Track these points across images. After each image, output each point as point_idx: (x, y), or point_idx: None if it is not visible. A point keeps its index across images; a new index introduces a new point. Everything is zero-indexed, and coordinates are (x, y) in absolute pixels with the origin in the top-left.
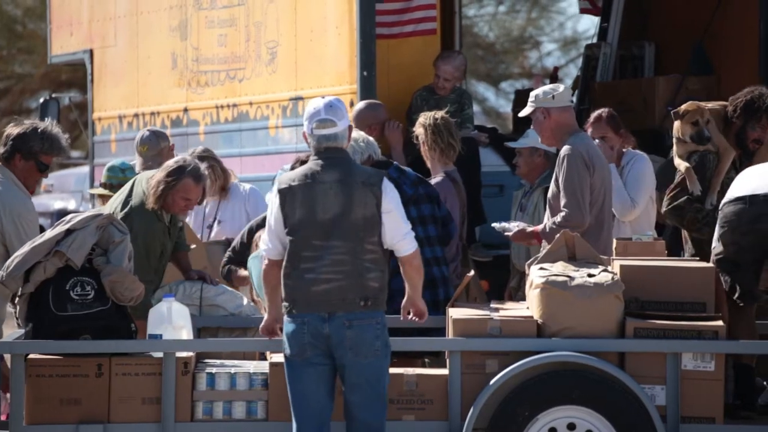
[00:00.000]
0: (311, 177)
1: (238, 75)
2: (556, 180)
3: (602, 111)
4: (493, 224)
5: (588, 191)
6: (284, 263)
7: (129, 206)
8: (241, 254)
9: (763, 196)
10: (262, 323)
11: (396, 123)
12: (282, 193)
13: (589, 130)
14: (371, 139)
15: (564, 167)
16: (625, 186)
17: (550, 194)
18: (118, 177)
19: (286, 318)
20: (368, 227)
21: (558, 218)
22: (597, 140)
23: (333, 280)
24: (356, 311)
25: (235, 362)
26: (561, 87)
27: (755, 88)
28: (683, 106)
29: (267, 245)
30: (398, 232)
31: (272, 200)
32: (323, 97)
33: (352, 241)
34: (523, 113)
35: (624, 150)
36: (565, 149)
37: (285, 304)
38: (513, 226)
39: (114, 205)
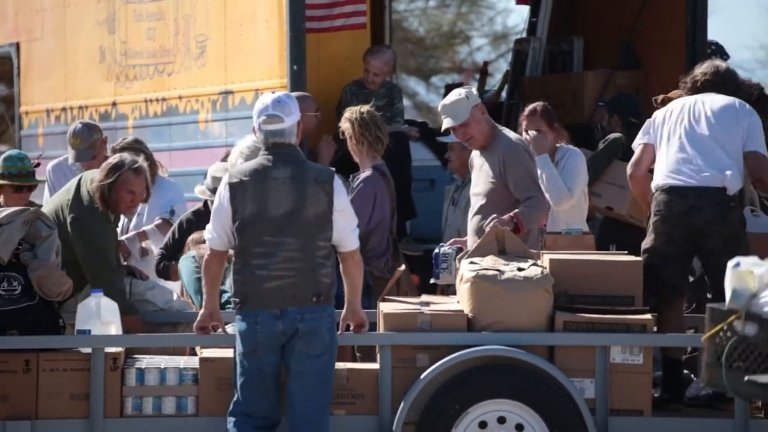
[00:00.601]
0: (263, 172)
1: (167, 69)
2: (498, 171)
3: (537, 105)
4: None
5: (538, 180)
6: (234, 259)
7: (79, 209)
8: (174, 251)
9: (694, 189)
10: (197, 319)
11: (329, 139)
12: (232, 186)
13: (524, 124)
14: None
15: (518, 158)
16: None
17: (482, 188)
18: (17, 166)
19: (237, 315)
20: (320, 224)
21: (533, 201)
22: (532, 133)
23: (285, 277)
24: (308, 306)
25: (165, 357)
26: (473, 87)
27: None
28: (668, 95)
29: (212, 234)
30: (347, 229)
31: (221, 192)
32: (273, 92)
33: (305, 238)
34: (453, 122)
35: (558, 145)
36: (505, 146)
37: (235, 299)
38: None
39: (57, 204)
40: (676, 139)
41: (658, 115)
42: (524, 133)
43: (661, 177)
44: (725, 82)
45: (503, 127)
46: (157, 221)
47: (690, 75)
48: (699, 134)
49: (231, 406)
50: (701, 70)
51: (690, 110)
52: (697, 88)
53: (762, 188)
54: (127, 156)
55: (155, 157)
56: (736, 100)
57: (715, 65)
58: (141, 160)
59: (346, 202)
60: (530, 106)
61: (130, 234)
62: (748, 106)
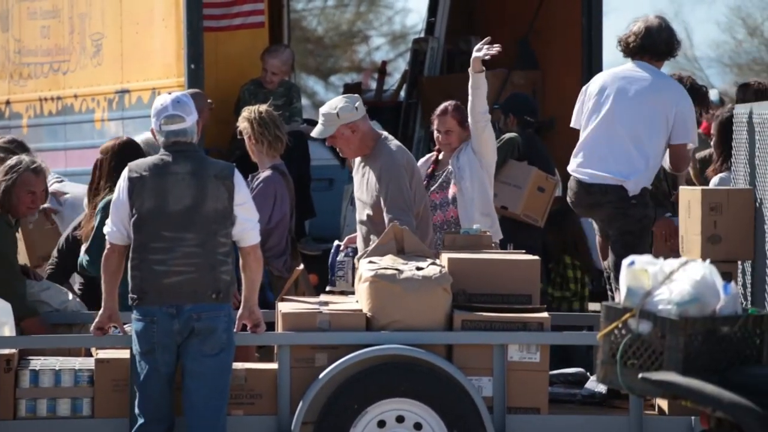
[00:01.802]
0: (163, 167)
1: (62, 67)
2: (378, 186)
3: (448, 104)
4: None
5: (411, 197)
6: (131, 255)
7: None
8: (64, 262)
9: (599, 186)
10: (96, 320)
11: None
12: (132, 181)
13: (435, 123)
14: None
15: (393, 174)
16: None
17: (368, 198)
18: None
19: (134, 314)
20: (220, 220)
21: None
22: (440, 134)
23: (185, 273)
24: (206, 303)
25: (60, 359)
26: (355, 96)
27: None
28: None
29: (111, 228)
30: (248, 224)
31: (120, 186)
32: (170, 93)
33: (205, 234)
34: (318, 133)
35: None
36: (383, 160)
37: (132, 296)
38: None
39: None
40: (595, 125)
41: (590, 86)
42: (435, 132)
43: (574, 164)
44: (655, 43)
45: (387, 136)
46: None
47: (624, 35)
48: (617, 130)
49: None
50: (633, 30)
51: (616, 93)
52: (629, 51)
53: (677, 174)
54: (24, 156)
55: (50, 157)
56: (667, 84)
57: (647, 24)
58: (39, 160)
59: (247, 197)
60: (442, 105)
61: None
62: (678, 89)
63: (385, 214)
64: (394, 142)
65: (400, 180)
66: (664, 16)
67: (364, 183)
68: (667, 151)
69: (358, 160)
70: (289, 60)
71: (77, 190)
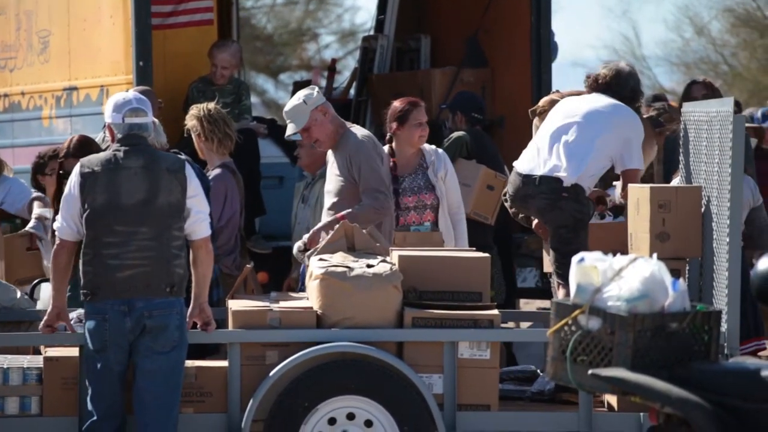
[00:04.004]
0: (114, 162)
1: (8, 64)
2: (346, 170)
3: (411, 99)
4: (295, 252)
5: (385, 175)
6: (84, 250)
7: None
8: None
9: (533, 177)
10: (45, 317)
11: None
12: (83, 176)
13: (407, 119)
14: (158, 123)
15: (362, 155)
16: None
17: (332, 186)
18: None
19: (86, 310)
20: (174, 213)
21: (368, 200)
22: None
23: (138, 266)
24: (159, 298)
25: (8, 357)
26: (312, 86)
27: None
28: (540, 103)
29: (60, 224)
30: (198, 216)
31: (72, 181)
32: (127, 91)
33: (159, 228)
34: (295, 128)
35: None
36: (350, 143)
37: (84, 291)
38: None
39: None
40: (543, 127)
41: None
42: (413, 128)
43: (518, 160)
44: (621, 85)
45: (353, 125)
46: (34, 207)
47: (594, 73)
48: (561, 130)
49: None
50: (604, 70)
51: (569, 104)
52: (596, 87)
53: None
54: None
55: None
56: (624, 110)
57: (618, 68)
58: None
59: (199, 189)
60: (405, 100)
61: (31, 225)
62: (633, 118)
63: (363, 197)
64: (360, 129)
65: (371, 161)
66: (634, 66)
67: (331, 173)
68: (620, 179)
69: (330, 152)
70: (237, 53)
71: None
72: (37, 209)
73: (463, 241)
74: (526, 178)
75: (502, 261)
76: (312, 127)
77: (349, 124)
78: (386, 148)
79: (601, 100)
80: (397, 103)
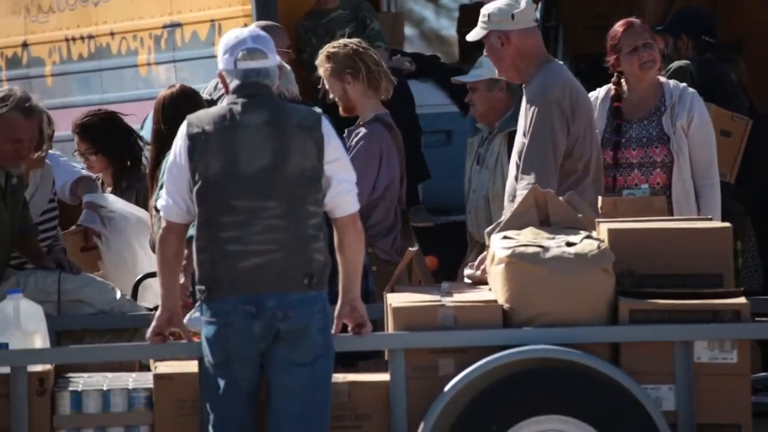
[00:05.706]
0: (231, 119)
1: None
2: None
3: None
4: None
5: (561, 152)
6: (197, 233)
7: None
8: None
9: None
10: (153, 323)
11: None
12: (192, 138)
13: (619, 39)
14: (288, 68)
15: (532, 119)
16: None
17: (518, 149)
18: None
19: (203, 314)
20: (309, 183)
21: (520, 190)
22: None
23: (267, 252)
24: (295, 293)
25: (109, 375)
26: (523, 1)
27: None
28: None
29: (166, 201)
30: (342, 186)
31: (177, 146)
32: (245, 26)
33: (290, 201)
34: (471, 36)
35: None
36: (532, 93)
37: (201, 287)
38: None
39: None
40: None
41: None
42: (628, 49)
43: None
44: None
45: (558, 63)
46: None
47: None
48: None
49: None
50: None
51: None
52: None
53: None
54: (16, 90)
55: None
56: None
57: None
58: (36, 99)
59: (341, 151)
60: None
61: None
62: None
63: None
64: (558, 68)
65: (545, 120)
66: None
67: (520, 123)
68: None
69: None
70: None
71: (121, 205)
72: (85, 196)
73: (713, 212)
74: None
75: (756, 234)
76: (489, 52)
77: (552, 60)
78: (603, 91)
79: None
80: (612, 30)
